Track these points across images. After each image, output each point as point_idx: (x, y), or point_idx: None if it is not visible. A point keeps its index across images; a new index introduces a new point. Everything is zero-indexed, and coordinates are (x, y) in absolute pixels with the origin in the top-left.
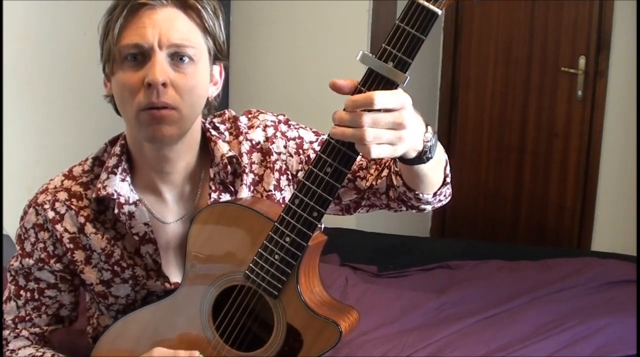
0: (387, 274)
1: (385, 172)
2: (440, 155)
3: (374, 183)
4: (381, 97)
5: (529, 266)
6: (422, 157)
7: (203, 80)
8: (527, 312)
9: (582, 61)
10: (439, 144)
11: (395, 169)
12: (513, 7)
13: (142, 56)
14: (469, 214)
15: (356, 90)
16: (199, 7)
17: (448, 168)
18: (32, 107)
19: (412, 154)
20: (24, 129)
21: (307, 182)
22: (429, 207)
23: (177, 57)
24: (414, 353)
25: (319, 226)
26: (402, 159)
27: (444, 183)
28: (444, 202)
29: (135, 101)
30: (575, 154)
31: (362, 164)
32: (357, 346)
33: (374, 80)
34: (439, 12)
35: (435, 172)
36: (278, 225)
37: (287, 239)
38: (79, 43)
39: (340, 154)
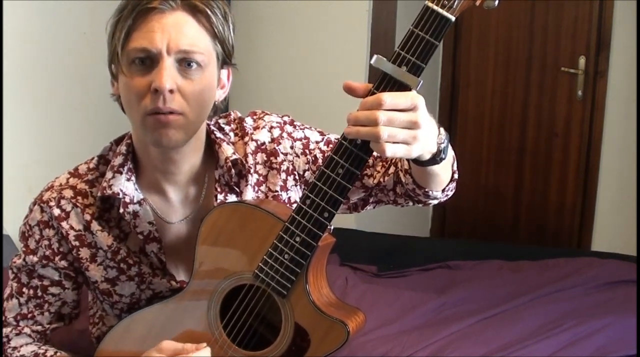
0: (387, 274)
1: (392, 169)
2: (449, 154)
3: (381, 180)
4: (390, 97)
5: (529, 266)
6: (436, 158)
7: (210, 85)
8: (527, 312)
9: (582, 61)
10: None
11: (405, 167)
12: (513, 7)
13: (149, 60)
14: (469, 214)
15: (369, 94)
16: (209, 11)
17: (455, 164)
18: (33, 107)
19: (427, 156)
20: (24, 129)
21: (318, 183)
22: (435, 202)
23: (185, 63)
24: (414, 353)
25: (329, 226)
26: (416, 161)
27: (452, 179)
28: (449, 196)
29: (142, 105)
30: (575, 154)
31: (368, 162)
32: (358, 346)
33: (388, 84)
34: (453, 18)
35: (446, 170)
36: (289, 225)
37: (298, 239)
38: (79, 43)
39: (352, 155)
